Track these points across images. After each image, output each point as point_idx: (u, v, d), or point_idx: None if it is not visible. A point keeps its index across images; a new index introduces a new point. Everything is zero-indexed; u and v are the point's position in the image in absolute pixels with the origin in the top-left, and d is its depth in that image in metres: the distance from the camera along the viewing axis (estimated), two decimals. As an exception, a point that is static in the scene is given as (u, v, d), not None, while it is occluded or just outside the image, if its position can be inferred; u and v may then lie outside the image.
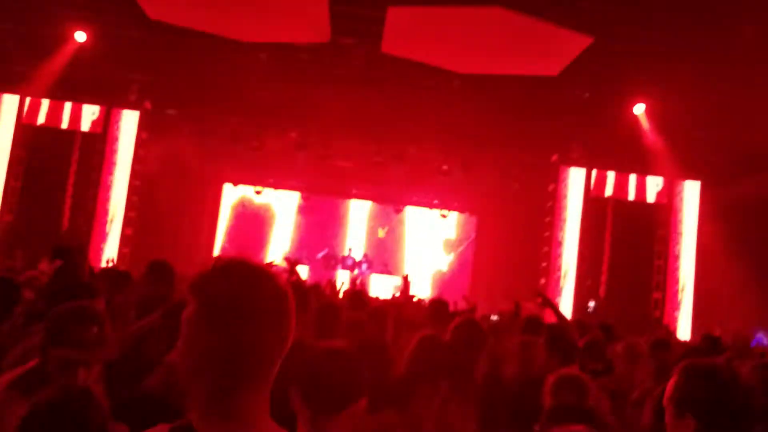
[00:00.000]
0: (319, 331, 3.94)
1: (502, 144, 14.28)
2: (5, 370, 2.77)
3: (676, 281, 13.87)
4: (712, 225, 13.31)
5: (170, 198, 14.34)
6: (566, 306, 13.35)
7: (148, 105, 13.81)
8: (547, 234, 14.15)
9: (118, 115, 13.66)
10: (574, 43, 10.57)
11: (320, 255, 16.18)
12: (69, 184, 13.66)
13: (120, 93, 13.55)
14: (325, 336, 3.83)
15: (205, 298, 1.41)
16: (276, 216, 17.15)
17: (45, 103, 13.59)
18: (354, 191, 16.76)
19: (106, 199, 13.52)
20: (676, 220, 14.12)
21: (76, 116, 13.61)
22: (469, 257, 17.26)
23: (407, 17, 10.41)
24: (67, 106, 13.58)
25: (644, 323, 12.65)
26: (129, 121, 13.67)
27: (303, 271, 13.84)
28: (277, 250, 16.59)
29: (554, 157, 14.31)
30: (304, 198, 17.06)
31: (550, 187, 14.30)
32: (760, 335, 11.30)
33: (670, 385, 2.27)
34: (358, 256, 16.45)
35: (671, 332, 8.67)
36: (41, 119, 13.62)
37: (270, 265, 4.82)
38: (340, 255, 16.45)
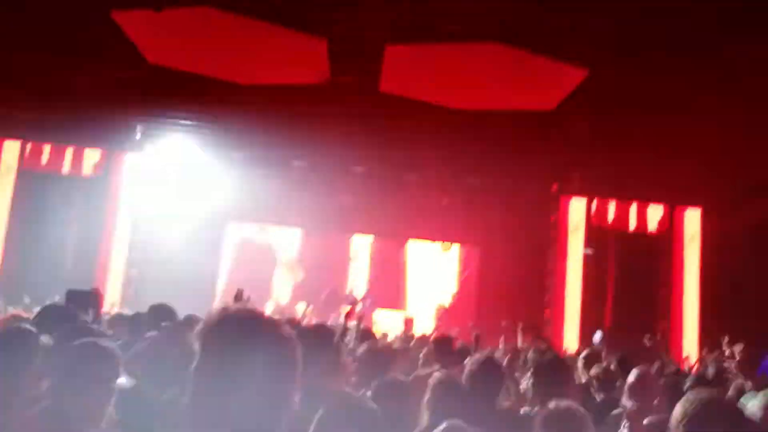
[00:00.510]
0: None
1: (502, 175, 14.35)
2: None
3: (681, 310, 13.81)
4: (715, 252, 13.31)
5: (173, 238, 14.34)
6: (572, 338, 13.29)
7: (148, 145, 13.91)
8: (550, 265, 14.13)
9: (120, 157, 13.75)
10: (571, 77, 10.69)
11: (323, 296, 16.13)
12: (73, 227, 13.68)
13: (121, 136, 13.67)
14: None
15: (210, 350, 1.42)
16: (278, 254, 17.14)
17: (46, 149, 13.70)
18: (356, 226, 16.77)
19: (110, 242, 13.55)
20: (679, 248, 14.12)
21: (77, 160, 13.70)
22: (473, 289, 17.20)
23: (405, 56, 10.55)
24: (69, 151, 13.68)
25: (652, 352, 12.55)
26: (131, 164, 13.76)
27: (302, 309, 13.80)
28: (280, 289, 16.56)
29: (554, 187, 14.35)
30: (305, 234, 17.07)
31: (552, 218, 14.32)
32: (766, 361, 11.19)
33: (674, 416, 2.25)
34: (360, 293, 16.40)
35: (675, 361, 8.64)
36: (43, 164, 13.72)
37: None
38: (344, 293, 16.39)
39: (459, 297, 17.25)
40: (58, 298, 11.06)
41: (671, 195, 13.88)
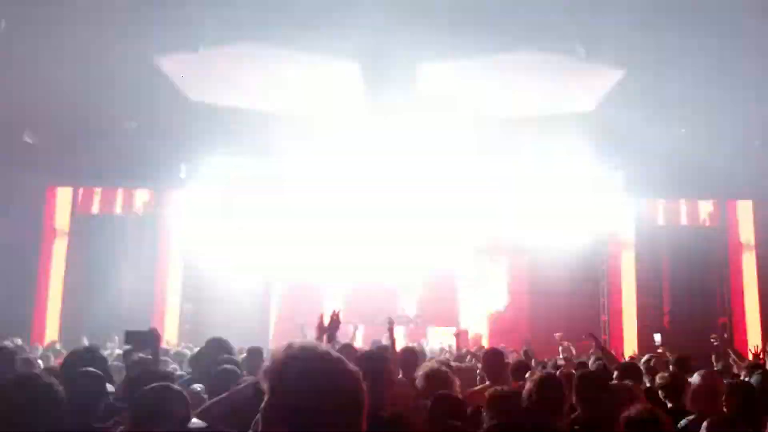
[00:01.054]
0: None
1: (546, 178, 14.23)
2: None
3: (742, 304, 13.42)
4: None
5: (223, 270, 14.57)
6: (630, 341, 13.02)
7: (193, 182, 14.21)
8: (603, 268, 13.91)
9: (167, 195, 14.08)
10: (608, 76, 10.60)
11: (376, 318, 16.08)
12: (126, 268, 14.02)
13: (165, 174, 14.00)
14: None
15: (279, 388, 1.47)
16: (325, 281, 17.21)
17: (97, 193, 14.13)
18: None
19: (164, 278, 13.84)
20: (733, 241, 13.76)
21: (128, 201, 14.09)
22: (525, 298, 16.99)
23: (437, 71, 10.62)
24: (120, 193, 14.08)
25: (713, 350, 12.21)
26: (177, 201, 14.06)
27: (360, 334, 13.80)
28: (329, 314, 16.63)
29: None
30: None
31: (600, 222, 14.10)
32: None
33: None
34: (411, 312, 16.34)
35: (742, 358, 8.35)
36: (95, 208, 14.13)
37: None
38: (395, 313, 16.34)
39: (511, 308, 17.05)
40: (117, 338, 11.36)
41: (721, 189, 13.55)
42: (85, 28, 8.82)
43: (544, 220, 14.81)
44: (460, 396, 4.06)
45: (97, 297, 13.81)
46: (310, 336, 5.54)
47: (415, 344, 9.99)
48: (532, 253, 16.30)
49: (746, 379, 5.16)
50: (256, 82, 11.11)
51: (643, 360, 6.79)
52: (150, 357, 4.92)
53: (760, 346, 9.15)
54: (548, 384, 3.57)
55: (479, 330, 15.58)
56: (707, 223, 13.93)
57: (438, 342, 12.01)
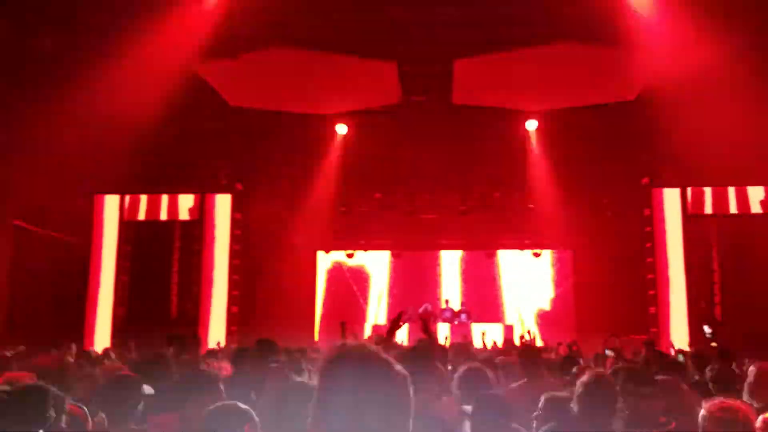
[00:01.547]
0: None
1: (587, 174, 14.06)
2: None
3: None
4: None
5: (268, 272, 14.78)
6: (681, 333, 12.76)
7: (238, 186, 14.43)
8: (650, 260, 13.65)
9: (212, 200, 14.32)
10: (648, 66, 10.41)
11: (421, 310, 16.13)
12: (173, 272, 14.31)
13: (211, 179, 14.25)
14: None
15: (329, 387, 1.50)
16: (370, 277, 17.31)
17: (143, 199, 14.45)
18: (443, 242, 16.73)
19: (210, 282, 14.08)
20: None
21: (173, 207, 14.38)
22: (570, 292, 16.80)
23: (474, 67, 10.56)
24: (164, 199, 14.37)
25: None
26: (223, 205, 14.30)
27: (404, 330, 13.83)
28: (375, 311, 16.70)
29: (645, 180, 13.91)
30: (395, 255, 17.17)
31: (646, 212, 13.85)
32: None
33: None
34: (455, 306, 16.32)
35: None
36: (142, 214, 14.45)
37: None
38: (439, 308, 16.35)
39: (557, 303, 16.88)
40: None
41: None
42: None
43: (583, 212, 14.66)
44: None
45: (145, 303, 14.16)
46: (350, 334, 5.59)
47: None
48: (576, 247, 16.15)
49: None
50: (295, 85, 11.20)
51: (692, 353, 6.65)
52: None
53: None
54: (599, 384, 3.34)
55: (525, 325, 15.42)
56: (757, 209, 13.54)
57: (488, 337, 11.93)
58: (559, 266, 17.01)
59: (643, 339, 11.14)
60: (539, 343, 12.80)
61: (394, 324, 4.71)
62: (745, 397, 3.99)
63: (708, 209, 13.64)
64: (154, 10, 8.94)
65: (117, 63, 9.50)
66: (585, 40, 9.71)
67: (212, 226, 14.26)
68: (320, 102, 12.08)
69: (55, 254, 13.17)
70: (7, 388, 3.36)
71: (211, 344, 12.32)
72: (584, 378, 3.39)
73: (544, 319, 16.71)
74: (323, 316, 16.24)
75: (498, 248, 17.01)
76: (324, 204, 14.42)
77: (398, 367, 1.54)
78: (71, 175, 12.32)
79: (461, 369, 4.34)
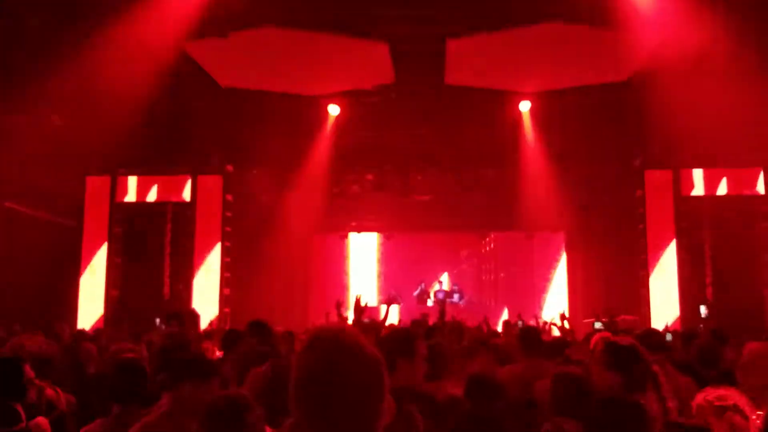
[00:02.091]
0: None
1: (580, 156, 14.05)
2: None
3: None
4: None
5: (260, 254, 14.76)
6: (673, 313, 12.84)
7: (229, 168, 14.36)
8: (642, 241, 13.69)
9: (204, 182, 14.26)
10: (641, 47, 10.37)
11: (416, 293, 16.18)
12: (166, 254, 14.26)
13: (203, 161, 14.18)
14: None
15: (301, 374, 1.52)
16: (363, 258, 17.35)
17: (134, 181, 14.37)
18: (436, 224, 16.76)
19: (202, 264, 14.05)
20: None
21: (164, 189, 14.31)
22: (563, 274, 16.89)
23: (467, 47, 10.50)
24: (156, 181, 14.30)
25: (760, 322, 11.99)
26: (214, 187, 14.23)
27: (395, 310, 13.88)
28: (367, 291, 16.76)
29: (637, 162, 13.92)
30: (387, 237, 17.19)
31: (638, 193, 13.87)
32: None
33: None
34: (447, 287, 16.40)
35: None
36: (133, 196, 14.38)
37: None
38: (431, 290, 16.41)
39: (550, 283, 16.97)
40: (158, 321, 11.61)
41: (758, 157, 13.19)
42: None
43: (581, 195, 14.68)
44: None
45: (139, 283, 14.14)
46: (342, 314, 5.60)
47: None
48: (569, 228, 16.20)
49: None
50: (287, 64, 11.10)
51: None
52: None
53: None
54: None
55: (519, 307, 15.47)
56: (748, 191, 13.57)
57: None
58: (551, 247, 17.08)
59: (634, 319, 11.25)
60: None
61: (357, 307, 4.73)
62: (740, 376, 4.00)
63: (700, 190, 13.67)
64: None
65: (106, 43, 9.41)
66: (578, 21, 9.67)
67: (204, 208, 14.20)
68: (312, 82, 12.00)
69: (47, 236, 13.10)
70: None
71: (203, 325, 12.36)
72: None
73: (537, 299, 16.80)
74: (315, 298, 16.27)
75: (491, 229, 17.07)
76: (316, 185, 14.38)
77: (369, 348, 1.54)
78: (62, 157, 12.22)
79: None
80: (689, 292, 13.14)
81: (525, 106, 13.45)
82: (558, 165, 14.01)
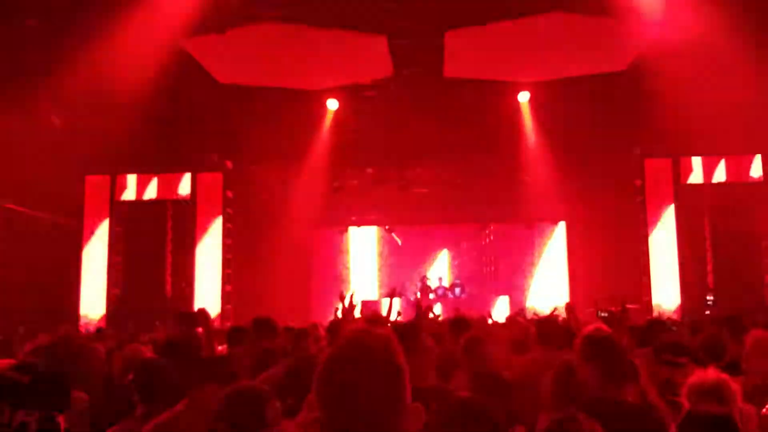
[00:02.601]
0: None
1: (579, 146, 14.05)
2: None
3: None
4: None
5: (261, 250, 14.76)
6: (674, 302, 12.88)
7: (229, 165, 14.35)
8: (642, 230, 13.72)
9: (204, 179, 14.24)
10: (639, 36, 10.36)
11: (416, 289, 16.18)
12: (167, 252, 14.27)
13: (202, 158, 14.16)
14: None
15: (321, 375, 1.50)
16: (363, 252, 17.35)
17: (133, 179, 14.35)
18: (436, 216, 16.75)
19: (204, 261, 14.06)
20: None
21: (164, 187, 14.29)
22: (563, 264, 16.91)
23: (465, 39, 10.47)
24: (156, 179, 14.28)
25: (761, 309, 12.03)
26: (214, 183, 14.22)
27: (396, 304, 13.88)
28: (369, 285, 16.75)
29: (636, 150, 13.93)
30: (387, 230, 17.19)
31: (638, 182, 13.89)
32: None
33: None
34: (448, 281, 16.38)
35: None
36: (133, 195, 14.36)
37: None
38: (433, 284, 16.39)
39: (550, 273, 16.99)
40: (158, 323, 11.58)
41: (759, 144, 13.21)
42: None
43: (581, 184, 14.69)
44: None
45: (140, 284, 14.14)
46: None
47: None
48: (569, 218, 16.21)
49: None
50: (286, 60, 11.07)
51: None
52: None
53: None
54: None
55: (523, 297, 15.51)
56: (748, 178, 13.59)
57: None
58: (552, 237, 17.10)
59: (636, 308, 11.29)
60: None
61: (348, 305, 4.73)
62: (745, 363, 4.00)
63: (699, 178, 13.69)
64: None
65: (104, 42, 9.38)
66: (576, 10, 9.65)
67: (204, 205, 14.19)
68: (310, 77, 11.97)
69: (47, 236, 13.09)
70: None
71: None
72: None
73: (538, 290, 16.83)
74: (317, 293, 16.28)
75: (491, 221, 17.06)
76: (316, 180, 14.37)
77: (379, 329, 1.53)
78: (62, 157, 12.20)
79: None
80: (690, 279, 13.18)
81: (524, 97, 13.44)
82: (557, 155, 14.01)
